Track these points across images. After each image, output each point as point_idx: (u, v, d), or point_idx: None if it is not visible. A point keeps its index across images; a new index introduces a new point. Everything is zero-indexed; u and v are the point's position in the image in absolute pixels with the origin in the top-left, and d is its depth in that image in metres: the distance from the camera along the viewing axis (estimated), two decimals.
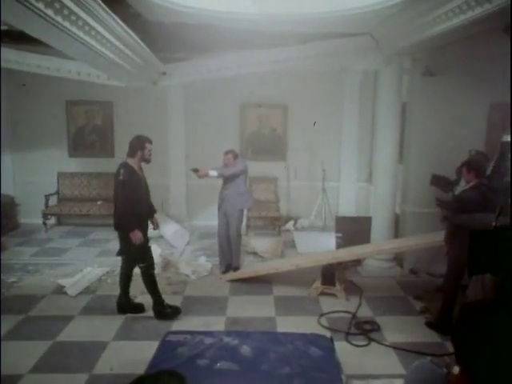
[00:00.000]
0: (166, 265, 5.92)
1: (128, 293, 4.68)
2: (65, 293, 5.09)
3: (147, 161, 4.53)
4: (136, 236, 4.33)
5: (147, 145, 4.49)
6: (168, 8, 4.15)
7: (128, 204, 4.29)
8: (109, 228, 7.77)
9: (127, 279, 4.67)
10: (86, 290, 5.21)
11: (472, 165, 4.28)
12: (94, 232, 7.73)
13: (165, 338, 3.83)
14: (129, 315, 4.61)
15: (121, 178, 4.27)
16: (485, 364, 1.26)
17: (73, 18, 3.26)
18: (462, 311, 1.34)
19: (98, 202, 8.01)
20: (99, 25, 3.70)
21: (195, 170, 5.43)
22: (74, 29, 3.38)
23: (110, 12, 3.65)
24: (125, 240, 4.44)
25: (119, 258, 6.21)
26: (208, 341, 3.79)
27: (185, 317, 4.57)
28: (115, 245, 7.03)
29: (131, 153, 4.46)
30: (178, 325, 4.39)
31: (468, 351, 1.29)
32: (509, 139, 4.43)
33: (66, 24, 3.24)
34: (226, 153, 5.61)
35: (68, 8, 3.12)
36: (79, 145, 8.26)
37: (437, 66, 5.58)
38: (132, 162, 4.43)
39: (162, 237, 7.26)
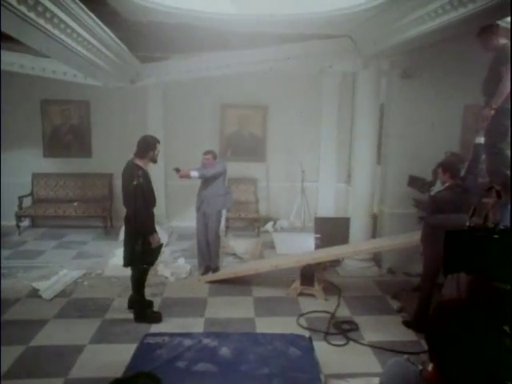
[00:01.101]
0: None
1: (143, 297, 4.63)
2: (39, 296, 4.98)
3: (155, 161, 4.52)
4: (155, 239, 4.36)
5: (157, 145, 4.44)
6: (146, 7, 4.11)
7: (147, 207, 4.30)
8: (86, 230, 7.75)
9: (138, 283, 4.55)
10: (62, 293, 5.10)
11: (447, 166, 4.37)
12: (70, 234, 7.59)
13: (143, 341, 3.79)
14: (106, 318, 4.54)
15: (139, 181, 4.20)
16: (457, 361, 1.28)
17: (48, 15, 3.19)
18: (435, 310, 1.36)
19: (75, 204, 7.86)
20: (75, 23, 3.63)
21: (177, 170, 5.40)
22: (48, 26, 3.31)
23: (86, 10, 3.59)
24: (134, 243, 4.31)
25: (96, 260, 6.22)
26: (187, 342, 3.76)
27: (163, 318, 4.53)
28: (92, 247, 7.02)
29: (142, 153, 4.36)
30: (156, 327, 4.34)
31: (441, 349, 1.31)
32: (481, 141, 4.53)
33: (41, 21, 3.17)
34: (206, 153, 5.60)
35: (42, 5, 3.05)
36: (55, 145, 8.09)
37: (414, 68, 5.67)
38: (142, 162, 4.35)
39: None
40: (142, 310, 4.51)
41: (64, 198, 8.02)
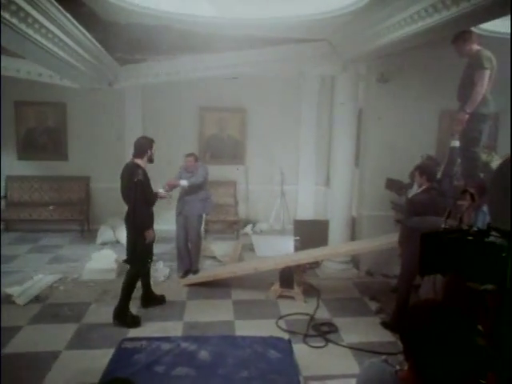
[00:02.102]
0: (122, 270, 5.77)
1: (149, 285, 4.89)
2: (13, 302, 4.85)
3: (152, 161, 4.63)
4: (150, 234, 4.50)
5: (153, 144, 4.61)
6: (124, 8, 4.06)
7: (145, 204, 4.45)
8: (62, 233, 7.60)
9: (148, 280, 4.85)
10: (37, 299, 4.98)
11: (424, 169, 4.45)
12: (45, 238, 7.43)
13: (120, 346, 3.74)
14: (83, 323, 4.46)
15: (139, 178, 4.34)
16: (431, 361, 1.30)
17: (21, 14, 3.12)
18: (410, 310, 1.38)
19: (50, 207, 7.69)
20: (51, 23, 3.55)
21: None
22: (22, 26, 3.24)
23: (62, 10, 3.52)
24: (135, 241, 4.48)
25: (73, 264, 6.10)
26: (165, 347, 3.73)
27: (142, 322, 4.47)
28: (68, 250, 6.90)
29: (140, 153, 4.51)
30: (134, 331, 4.28)
31: (415, 348, 1.33)
32: (456, 144, 4.63)
33: (14, 21, 3.10)
34: (188, 155, 5.62)
35: (16, 4, 2.98)
36: (29, 147, 7.91)
37: (391, 72, 5.76)
38: (141, 162, 4.49)
39: (118, 242, 7.09)
40: (123, 311, 4.45)
41: (39, 201, 7.84)
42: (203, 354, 3.66)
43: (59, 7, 3.46)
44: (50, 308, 4.80)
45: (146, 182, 4.43)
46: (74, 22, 3.88)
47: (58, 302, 4.95)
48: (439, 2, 3.22)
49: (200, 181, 5.54)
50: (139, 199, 4.36)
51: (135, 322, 4.45)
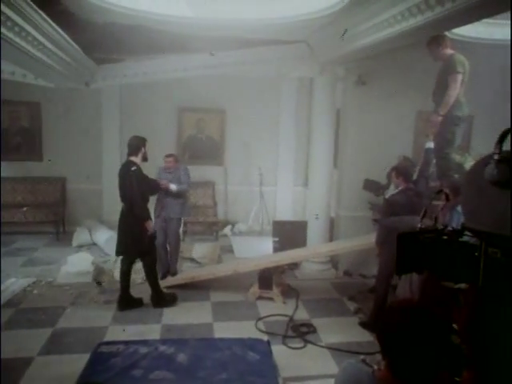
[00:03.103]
0: (99, 273, 5.69)
1: (129, 287, 4.88)
2: None
3: (147, 159, 4.86)
4: (150, 225, 4.75)
5: (146, 143, 4.84)
6: (101, 7, 3.99)
7: (143, 196, 4.69)
8: (36, 236, 7.43)
9: (128, 275, 4.88)
10: (9, 303, 4.84)
11: (400, 170, 4.51)
12: (18, 240, 7.24)
13: (96, 350, 3.68)
14: (57, 327, 4.36)
15: (135, 170, 4.61)
16: (407, 360, 1.31)
17: None
18: (387, 310, 1.39)
19: (24, 209, 7.49)
20: (24, 21, 3.48)
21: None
22: None
23: (35, 7, 3.45)
24: (141, 233, 4.66)
25: (47, 267, 5.97)
26: (143, 350, 3.69)
27: (118, 326, 4.40)
28: (43, 253, 6.74)
29: (134, 152, 4.74)
30: (111, 335, 4.21)
31: (390, 349, 1.35)
32: (431, 146, 4.72)
33: None
34: (168, 156, 5.59)
35: None
36: (2, 148, 7.70)
37: (368, 75, 5.82)
38: (136, 159, 4.72)
39: (95, 244, 6.98)
40: (159, 295, 4.89)
41: (12, 202, 7.61)
42: (181, 357, 3.63)
43: (33, 5, 3.39)
44: (23, 313, 4.67)
45: (140, 175, 4.66)
46: (49, 20, 3.81)
47: (31, 306, 4.83)
48: (414, 7, 3.28)
49: (186, 189, 5.67)
50: (136, 190, 4.58)
51: (174, 298, 4.97)
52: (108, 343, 3.88)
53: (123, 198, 4.72)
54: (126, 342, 3.85)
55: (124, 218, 4.74)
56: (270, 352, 3.78)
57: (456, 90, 4.36)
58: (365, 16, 3.98)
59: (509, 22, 4.45)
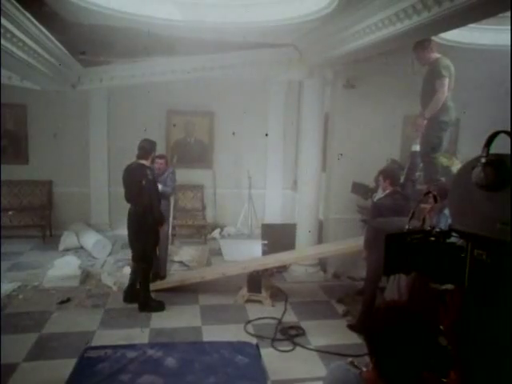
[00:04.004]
0: (86, 277, 5.63)
1: (136, 283, 5.02)
2: None
3: (153, 162, 5.03)
4: (164, 228, 5.03)
5: (155, 147, 4.97)
6: (87, 8, 3.96)
7: (158, 200, 4.79)
8: (22, 239, 7.32)
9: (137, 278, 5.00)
10: None
11: (387, 174, 4.55)
12: (4, 244, 7.09)
13: (83, 355, 3.63)
14: (44, 332, 4.30)
15: (151, 178, 4.67)
16: (392, 361, 1.32)
17: None
18: (374, 311, 1.40)
19: (10, 212, 7.40)
20: (8, 22, 3.43)
21: None
22: None
23: (20, 8, 3.41)
24: (146, 238, 4.76)
25: (33, 272, 5.89)
26: (131, 354, 3.65)
27: (105, 331, 4.36)
28: (29, 257, 6.65)
29: (145, 155, 4.81)
30: (97, 340, 4.17)
31: (377, 349, 1.35)
32: (417, 149, 4.76)
33: None
34: (159, 157, 5.53)
35: None
36: None
37: (357, 78, 5.86)
38: (146, 163, 4.79)
39: (82, 248, 6.90)
40: (147, 299, 4.87)
41: None
42: (170, 361, 3.60)
43: (18, 6, 3.36)
44: (8, 318, 4.59)
45: (154, 180, 4.79)
46: (34, 20, 3.77)
47: (17, 311, 4.75)
48: (402, 12, 3.32)
49: (170, 192, 5.62)
50: (155, 197, 4.69)
51: (160, 305, 4.89)
52: (95, 348, 3.83)
53: (137, 200, 4.72)
54: (114, 347, 3.81)
55: (136, 220, 4.77)
56: (259, 355, 3.77)
57: (444, 94, 4.41)
58: (353, 20, 4.01)
59: (494, 27, 4.55)
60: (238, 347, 3.87)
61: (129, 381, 3.32)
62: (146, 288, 4.94)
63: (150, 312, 4.79)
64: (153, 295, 5.24)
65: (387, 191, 4.45)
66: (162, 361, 3.60)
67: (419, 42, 4.42)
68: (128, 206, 4.90)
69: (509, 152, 1.36)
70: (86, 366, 3.47)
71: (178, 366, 3.55)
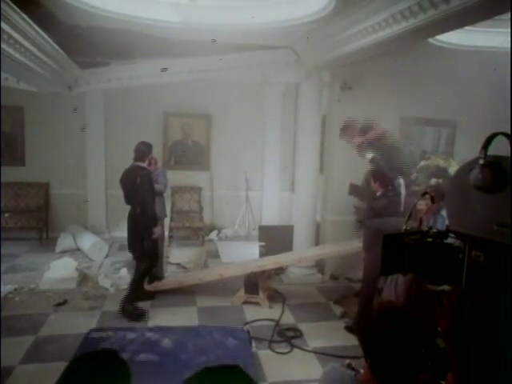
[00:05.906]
0: (83, 279, 5.61)
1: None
2: None
3: (150, 165, 5.05)
4: (158, 230, 4.91)
5: (152, 149, 5.03)
6: (84, 10, 3.97)
7: (154, 199, 4.80)
8: (18, 241, 7.29)
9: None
10: None
11: (376, 175, 4.56)
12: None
13: (87, 335, 3.94)
14: (40, 335, 4.28)
15: (146, 176, 4.73)
16: (386, 362, 1.32)
17: None
18: (369, 312, 1.40)
19: (6, 214, 7.37)
20: (5, 23, 3.43)
21: None
22: None
23: (17, 10, 3.40)
24: (143, 237, 4.77)
25: (30, 274, 5.86)
26: (130, 336, 3.99)
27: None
28: (25, 259, 6.62)
29: (142, 157, 4.86)
30: None
31: (371, 350, 1.35)
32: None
33: None
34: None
35: None
36: None
37: (354, 80, 5.87)
38: (143, 165, 4.84)
39: (79, 250, 6.88)
40: (130, 304, 4.73)
41: None
42: (166, 343, 3.93)
43: (14, 7, 3.35)
44: (3, 320, 4.55)
45: (151, 181, 4.80)
46: (31, 22, 3.77)
47: (13, 313, 4.72)
48: (398, 14, 3.33)
49: (162, 189, 5.60)
50: (149, 195, 4.70)
51: (140, 315, 4.70)
52: (98, 330, 4.18)
53: (134, 201, 4.76)
54: (115, 329, 4.16)
55: (134, 220, 4.81)
56: (250, 340, 4.05)
57: None
58: (350, 22, 4.03)
59: (490, 29, 4.57)
60: (230, 331, 4.19)
61: (128, 359, 3.38)
62: (132, 291, 4.80)
63: (127, 319, 4.62)
64: None
65: (379, 193, 4.47)
66: (158, 342, 3.93)
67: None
68: (126, 208, 4.90)
69: (506, 154, 1.37)
70: (90, 346, 3.76)
71: (173, 346, 3.88)
